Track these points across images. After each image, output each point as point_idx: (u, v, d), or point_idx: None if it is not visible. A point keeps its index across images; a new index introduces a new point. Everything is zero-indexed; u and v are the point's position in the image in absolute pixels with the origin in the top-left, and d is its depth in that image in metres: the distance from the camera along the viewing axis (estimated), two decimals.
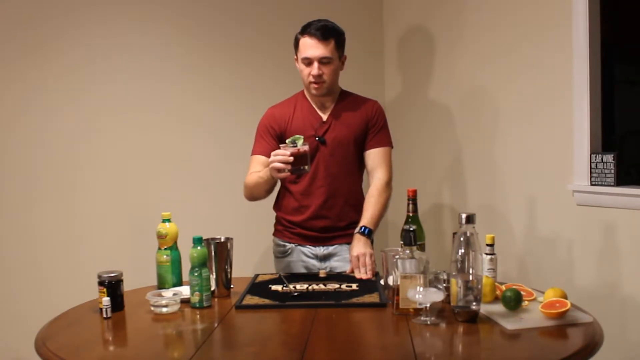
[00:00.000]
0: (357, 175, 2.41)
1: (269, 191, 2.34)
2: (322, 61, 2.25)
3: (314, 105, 2.37)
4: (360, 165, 2.40)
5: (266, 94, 3.18)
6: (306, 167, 2.09)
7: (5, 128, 2.77)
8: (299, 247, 2.38)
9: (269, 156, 2.15)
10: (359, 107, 2.37)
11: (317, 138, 2.31)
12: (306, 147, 2.07)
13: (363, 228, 2.22)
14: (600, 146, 2.46)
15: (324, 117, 2.35)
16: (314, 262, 2.37)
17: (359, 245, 2.18)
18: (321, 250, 2.37)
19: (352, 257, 2.17)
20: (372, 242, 2.24)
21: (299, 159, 2.06)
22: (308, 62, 2.26)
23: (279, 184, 2.40)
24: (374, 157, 2.35)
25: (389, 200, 2.34)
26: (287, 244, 2.40)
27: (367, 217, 2.25)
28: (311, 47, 2.24)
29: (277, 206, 2.45)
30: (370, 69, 3.45)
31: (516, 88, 2.70)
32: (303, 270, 2.37)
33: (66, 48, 2.84)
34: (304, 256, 2.38)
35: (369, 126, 2.36)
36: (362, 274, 2.12)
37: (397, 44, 3.40)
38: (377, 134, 2.36)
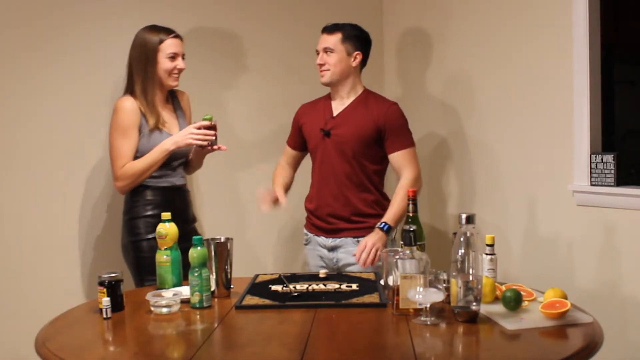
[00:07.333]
0: (364, 174, 2.44)
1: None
2: (325, 51, 2.41)
3: (332, 103, 2.50)
4: (373, 164, 2.45)
5: (267, 97, 3.19)
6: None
7: (7, 129, 2.76)
8: (315, 237, 2.52)
9: (292, 147, 2.58)
10: (370, 108, 2.44)
11: (321, 129, 2.45)
12: (204, 123, 2.31)
13: (383, 224, 2.32)
14: (600, 146, 2.45)
15: (335, 113, 2.47)
16: (325, 251, 2.49)
17: (374, 237, 2.30)
18: (329, 241, 2.48)
19: (361, 242, 2.29)
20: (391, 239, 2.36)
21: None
22: (317, 53, 2.45)
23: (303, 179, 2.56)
24: (397, 159, 2.43)
25: (418, 192, 2.35)
26: (308, 233, 2.56)
27: (390, 214, 2.35)
28: (320, 40, 2.44)
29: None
30: (370, 68, 3.43)
31: (516, 88, 2.70)
32: (319, 260, 2.51)
33: (72, 52, 2.82)
34: (318, 246, 2.51)
35: (380, 128, 2.41)
36: (363, 257, 2.24)
37: (397, 43, 3.40)
38: (396, 137, 2.42)
